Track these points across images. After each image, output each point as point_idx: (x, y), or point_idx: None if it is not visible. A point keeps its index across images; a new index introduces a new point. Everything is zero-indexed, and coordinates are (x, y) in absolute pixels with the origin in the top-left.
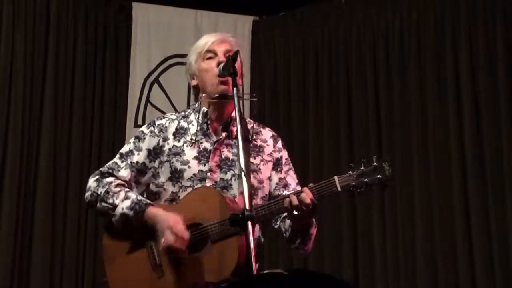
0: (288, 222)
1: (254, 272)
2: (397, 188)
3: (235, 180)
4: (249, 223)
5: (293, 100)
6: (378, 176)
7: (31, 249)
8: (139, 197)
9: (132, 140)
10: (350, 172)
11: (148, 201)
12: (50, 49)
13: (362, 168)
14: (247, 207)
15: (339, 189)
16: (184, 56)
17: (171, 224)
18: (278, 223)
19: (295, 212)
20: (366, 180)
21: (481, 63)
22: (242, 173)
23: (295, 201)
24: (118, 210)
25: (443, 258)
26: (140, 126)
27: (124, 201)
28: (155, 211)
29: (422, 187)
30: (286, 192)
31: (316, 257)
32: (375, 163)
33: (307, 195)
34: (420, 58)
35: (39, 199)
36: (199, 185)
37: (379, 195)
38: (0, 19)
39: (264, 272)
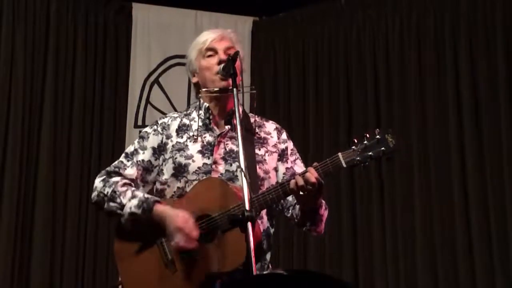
0: (298, 207)
1: (254, 272)
2: (397, 187)
3: (240, 171)
4: (249, 224)
5: (293, 100)
6: (382, 148)
7: (31, 249)
8: (146, 195)
9: (136, 140)
10: (353, 147)
11: (156, 198)
12: (50, 49)
13: (365, 142)
14: (247, 207)
15: (344, 165)
16: (184, 56)
17: (179, 225)
18: (290, 211)
19: (301, 193)
20: (370, 153)
21: (481, 63)
22: (242, 174)
23: (300, 182)
24: (126, 210)
25: (443, 258)
26: (140, 127)
27: (131, 200)
28: (163, 209)
29: (422, 186)
30: None
31: (316, 257)
32: (378, 136)
33: (312, 174)
34: (420, 58)
35: (39, 200)
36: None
37: (378, 195)
38: (0, 19)
39: (264, 272)
